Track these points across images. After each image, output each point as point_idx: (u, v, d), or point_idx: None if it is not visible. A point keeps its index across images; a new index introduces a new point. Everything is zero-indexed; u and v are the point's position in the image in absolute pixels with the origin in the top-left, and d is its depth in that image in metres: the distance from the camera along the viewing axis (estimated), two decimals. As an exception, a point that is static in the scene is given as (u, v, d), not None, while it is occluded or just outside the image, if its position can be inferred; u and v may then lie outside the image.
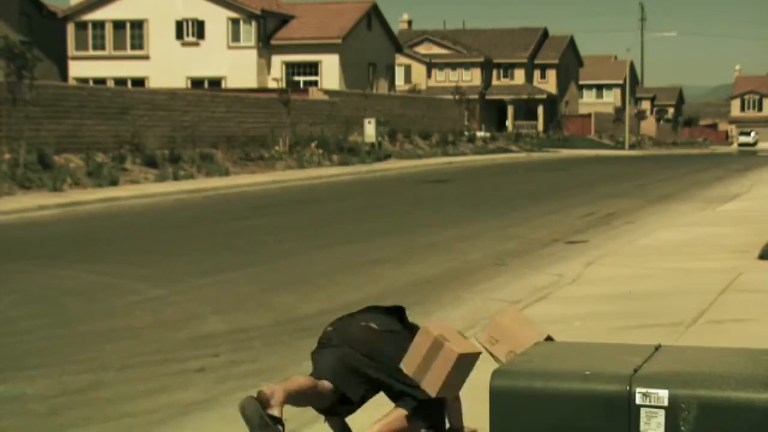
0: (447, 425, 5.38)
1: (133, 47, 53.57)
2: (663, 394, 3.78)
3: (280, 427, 4.99)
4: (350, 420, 5.57)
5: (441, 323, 5.30)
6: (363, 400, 5.41)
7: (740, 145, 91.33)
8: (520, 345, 4.92)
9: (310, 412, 6.72)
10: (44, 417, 6.75)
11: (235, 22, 52.71)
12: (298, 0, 59.67)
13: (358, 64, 55.00)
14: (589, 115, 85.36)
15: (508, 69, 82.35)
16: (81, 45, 53.75)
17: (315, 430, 6.23)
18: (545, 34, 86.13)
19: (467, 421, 5.52)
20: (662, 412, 3.78)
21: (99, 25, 53.62)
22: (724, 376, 3.83)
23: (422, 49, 79.99)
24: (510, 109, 79.60)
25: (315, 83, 51.97)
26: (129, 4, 52.97)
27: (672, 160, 53.36)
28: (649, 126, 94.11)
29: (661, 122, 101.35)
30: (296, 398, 5.21)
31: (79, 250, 15.28)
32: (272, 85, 45.38)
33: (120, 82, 50.80)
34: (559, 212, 21.24)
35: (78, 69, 52.94)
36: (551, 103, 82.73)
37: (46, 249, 15.45)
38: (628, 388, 3.82)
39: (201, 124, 34.70)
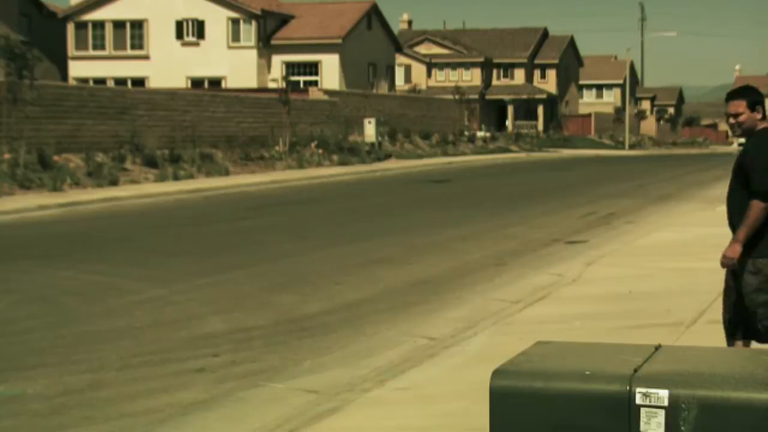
0: None
1: (133, 47, 53.55)
2: (663, 394, 3.78)
3: None
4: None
5: None
6: None
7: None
8: None
9: (309, 412, 6.73)
10: (44, 417, 6.75)
11: (235, 22, 52.70)
12: (298, 0, 59.72)
13: (358, 64, 54.99)
14: (589, 115, 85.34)
15: (508, 69, 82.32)
16: (81, 45, 53.73)
17: (315, 430, 6.24)
18: (545, 34, 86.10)
19: (464, 421, 5.52)
20: (662, 412, 3.78)
21: (99, 25, 53.60)
22: (724, 376, 3.83)
23: (422, 49, 79.97)
24: (510, 109, 79.60)
25: (315, 83, 51.95)
26: (129, 4, 52.95)
27: (672, 160, 53.37)
28: (649, 126, 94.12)
29: (661, 122, 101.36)
30: None
31: (80, 250, 15.28)
32: (272, 85, 45.43)
33: (120, 82, 50.79)
34: (559, 212, 21.24)
35: (78, 69, 52.92)
36: (551, 103, 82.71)
37: (46, 249, 15.45)
38: (628, 388, 3.82)
39: (201, 124, 34.69)
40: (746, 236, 6.10)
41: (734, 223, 6.34)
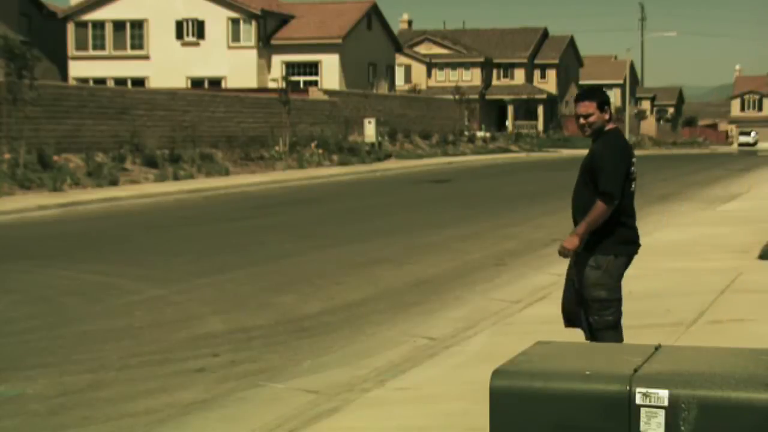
0: None
1: (133, 47, 53.54)
2: (663, 394, 3.78)
3: None
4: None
5: None
6: None
7: (740, 145, 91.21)
8: None
9: (309, 412, 6.73)
10: (44, 417, 6.75)
11: (235, 22, 52.69)
12: (298, 0, 59.73)
13: (358, 64, 54.99)
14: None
15: (508, 69, 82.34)
16: (81, 45, 53.72)
17: (315, 430, 6.24)
18: (545, 34, 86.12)
19: (464, 421, 5.51)
20: (662, 412, 3.78)
21: (99, 25, 53.59)
22: (724, 376, 3.83)
23: (422, 49, 79.99)
24: (510, 109, 79.60)
25: (315, 83, 51.94)
26: (129, 4, 52.94)
27: (672, 160, 53.35)
28: (649, 126, 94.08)
29: (661, 122, 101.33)
30: None
31: (79, 250, 15.28)
32: (272, 85, 45.46)
33: (120, 82, 50.77)
34: (559, 212, 21.20)
35: (78, 69, 52.92)
36: (551, 103, 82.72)
37: (46, 249, 15.44)
38: (628, 388, 3.82)
39: (201, 124, 34.68)
40: (585, 231, 6.34)
41: (577, 220, 6.58)
